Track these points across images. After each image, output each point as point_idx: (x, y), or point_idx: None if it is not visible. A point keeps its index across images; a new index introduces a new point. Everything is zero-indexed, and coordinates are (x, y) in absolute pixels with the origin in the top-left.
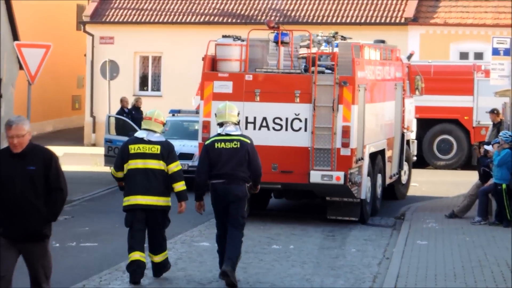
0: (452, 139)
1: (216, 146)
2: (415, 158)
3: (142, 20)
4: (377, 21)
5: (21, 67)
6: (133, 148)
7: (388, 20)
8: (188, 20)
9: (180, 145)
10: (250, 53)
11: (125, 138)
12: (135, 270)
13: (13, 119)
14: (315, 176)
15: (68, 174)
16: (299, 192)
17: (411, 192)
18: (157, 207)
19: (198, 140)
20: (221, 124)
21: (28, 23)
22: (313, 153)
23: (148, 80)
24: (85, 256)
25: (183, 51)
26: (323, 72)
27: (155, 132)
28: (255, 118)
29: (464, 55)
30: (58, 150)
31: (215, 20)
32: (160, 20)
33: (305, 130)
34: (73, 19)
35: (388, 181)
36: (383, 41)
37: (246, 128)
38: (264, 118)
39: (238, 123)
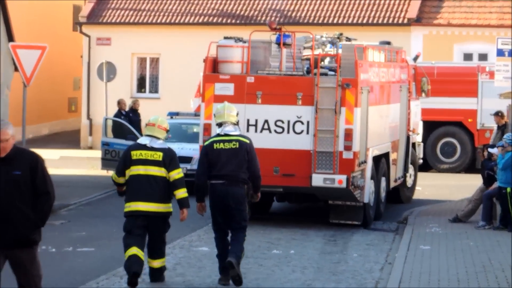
0: (455, 142)
1: (215, 147)
2: (421, 161)
3: (140, 20)
4: (379, 21)
5: (16, 69)
6: (135, 154)
7: (390, 21)
8: (186, 20)
9: (179, 148)
10: (252, 55)
11: (123, 141)
12: (132, 264)
13: None
14: (317, 180)
15: (64, 178)
16: (301, 195)
17: (414, 196)
18: (158, 213)
19: (198, 142)
20: (220, 124)
21: (23, 24)
22: (315, 156)
23: (146, 82)
24: (81, 261)
25: (181, 52)
26: (326, 74)
27: (158, 138)
28: (256, 120)
29: (468, 56)
30: (54, 153)
31: (214, 20)
32: (158, 21)
33: (307, 133)
34: (69, 19)
35: (392, 184)
36: (388, 43)
37: (247, 130)
38: (266, 121)
39: (237, 123)
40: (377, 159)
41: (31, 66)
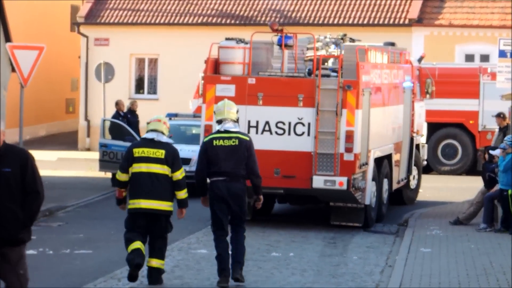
0: (457, 144)
1: (214, 144)
2: (425, 162)
3: (138, 21)
4: (380, 22)
5: (13, 70)
6: (137, 152)
7: (391, 21)
8: (185, 21)
9: (178, 150)
10: (254, 56)
11: (121, 143)
12: (135, 257)
13: None
14: (318, 181)
15: (62, 180)
16: (302, 197)
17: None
18: (160, 211)
19: (197, 144)
20: (219, 121)
21: (20, 24)
22: (316, 158)
23: (144, 82)
24: (79, 264)
25: (180, 53)
26: (328, 76)
27: (163, 134)
28: (257, 122)
29: (469, 57)
30: (51, 154)
31: (213, 21)
32: (157, 21)
33: (308, 134)
34: (67, 20)
35: (395, 186)
36: (393, 44)
37: (248, 132)
38: (267, 122)
39: (237, 120)
40: (379, 161)
41: (28, 67)
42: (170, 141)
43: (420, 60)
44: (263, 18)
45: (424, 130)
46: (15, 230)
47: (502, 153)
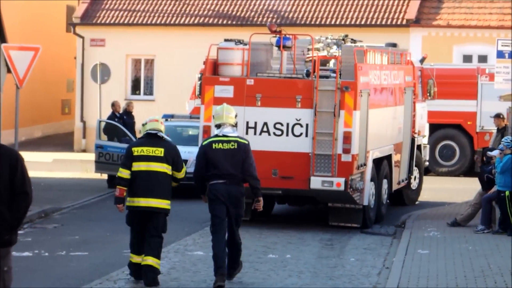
0: (454, 145)
1: (213, 147)
2: (427, 163)
3: (134, 21)
4: (378, 22)
5: (9, 70)
6: (137, 151)
7: (389, 22)
8: (182, 21)
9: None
10: (253, 57)
11: (117, 144)
12: (136, 270)
13: None
14: (316, 182)
15: (57, 181)
16: (300, 198)
17: None
18: (158, 209)
19: (194, 145)
20: (218, 126)
21: (16, 25)
22: (314, 159)
23: (141, 83)
24: (75, 266)
25: (177, 53)
26: (327, 77)
27: (162, 132)
28: (255, 123)
29: (467, 58)
30: (47, 156)
31: (210, 21)
32: (153, 22)
33: (306, 135)
34: (62, 20)
35: (395, 187)
36: (394, 45)
37: (246, 133)
38: (265, 123)
39: (235, 125)
40: (378, 162)
41: (24, 68)
42: (169, 139)
43: (422, 61)
44: (260, 19)
45: (426, 131)
46: (2, 232)
47: (500, 155)
